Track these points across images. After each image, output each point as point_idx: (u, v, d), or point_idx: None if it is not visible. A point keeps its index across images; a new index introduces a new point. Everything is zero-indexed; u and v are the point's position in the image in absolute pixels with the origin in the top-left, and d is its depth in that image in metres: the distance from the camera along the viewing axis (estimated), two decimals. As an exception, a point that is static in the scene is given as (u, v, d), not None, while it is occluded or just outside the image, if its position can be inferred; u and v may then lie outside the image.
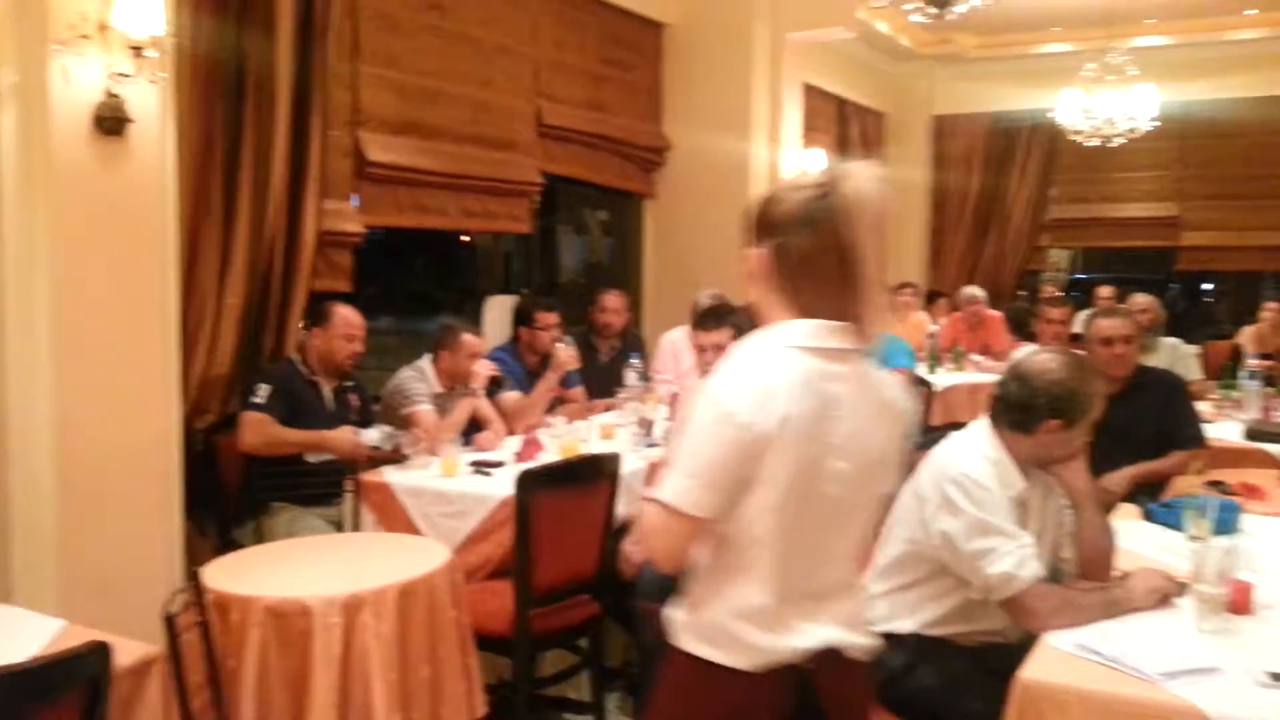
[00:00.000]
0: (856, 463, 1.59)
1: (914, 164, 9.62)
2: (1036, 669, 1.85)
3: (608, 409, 4.54)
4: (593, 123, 5.89)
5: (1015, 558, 2.08)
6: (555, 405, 4.37)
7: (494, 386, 4.07)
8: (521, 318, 4.54)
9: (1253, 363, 5.19)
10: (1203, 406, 4.44)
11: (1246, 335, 7.24)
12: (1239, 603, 2.06)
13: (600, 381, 4.77)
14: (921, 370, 5.83)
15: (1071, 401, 2.19)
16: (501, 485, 3.21)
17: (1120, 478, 3.37)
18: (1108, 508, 2.84)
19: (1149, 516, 2.91)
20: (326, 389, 3.68)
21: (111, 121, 3.08)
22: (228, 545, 3.45)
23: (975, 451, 2.24)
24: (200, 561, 2.75)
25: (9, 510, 3.06)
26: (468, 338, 3.93)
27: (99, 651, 1.63)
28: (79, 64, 2.99)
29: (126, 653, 1.91)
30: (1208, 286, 11.12)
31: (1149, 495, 3.20)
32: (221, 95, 3.66)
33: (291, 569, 2.61)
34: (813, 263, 1.55)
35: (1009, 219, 9.64)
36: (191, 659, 2.15)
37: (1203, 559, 2.06)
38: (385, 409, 3.86)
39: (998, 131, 9.55)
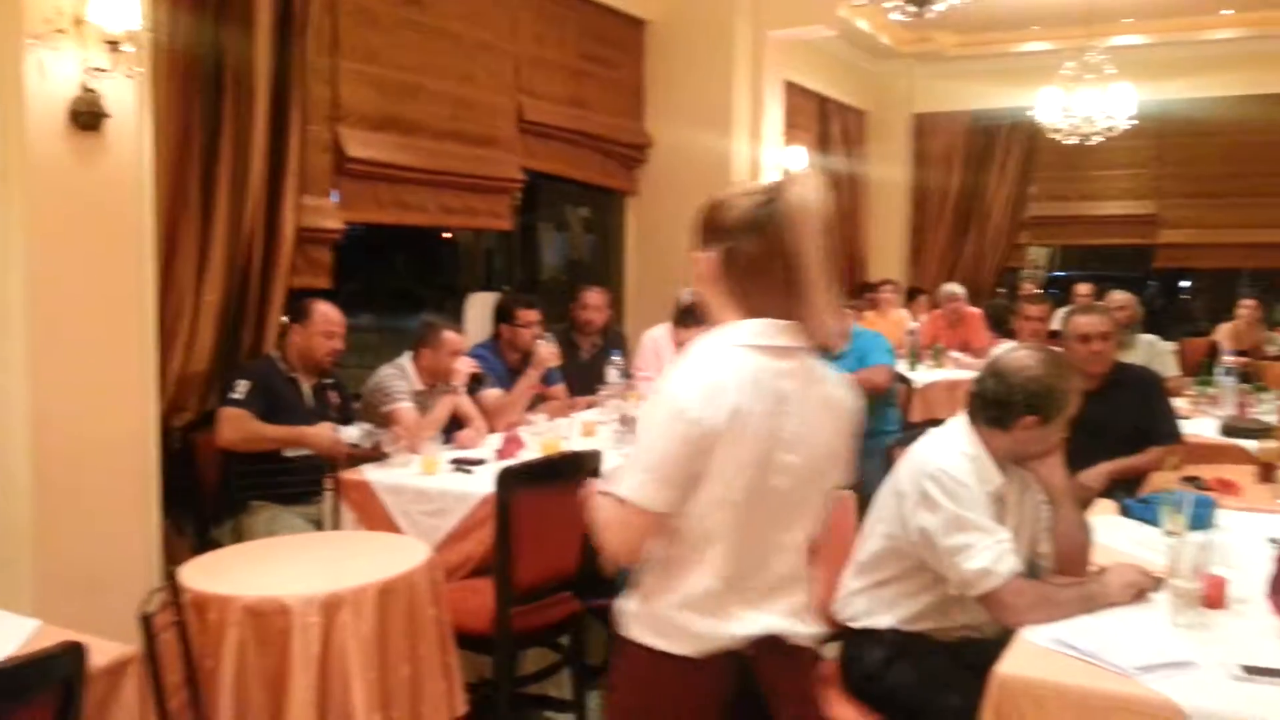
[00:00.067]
0: (805, 457, 1.65)
1: (895, 162, 9.66)
2: (1013, 664, 1.86)
3: (589, 406, 4.54)
4: (574, 119, 5.88)
5: (992, 553, 2.10)
6: (536, 402, 4.37)
7: (475, 384, 4.07)
8: (502, 315, 4.53)
9: (1229, 359, 5.25)
10: (1179, 403, 4.48)
11: (1223, 332, 7.32)
12: (1213, 597, 2.08)
13: (582, 379, 4.77)
14: (902, 367, 5.85)
15: (1048, 398, 2.21)
16: (482, 483, 3.20)
17: (1097, 474, 3.39)
18: (1085, 503, 2.87)
19: (1125, 512, 2.93)
20: (306, 386, 3.67)
21: (87, 117, 3.05)
22: (206, 544, 3.43)
23: (953, 448, 2.25)
24: (178, 561, 2.74)
25: (-16, 509, 3.03)
26: (449, 335, 3.92)
27: (73, 652, 1.61)
28: (54, 58, 2.97)
29: (102, 653, 1.89)
30: (1185, 284, 11.22)
31: (1126, 491, 3.22)
32: (199, 90, 3.63)
33: (270, 568, 2.60)
34: (759, 266, 1.62)
35: (989, 217, 9.71)
36: (169, 659, 2.14)
37: (1178, 554, 2.08)
38: (365, 407, 3.84)
39: (977, 130, 9.61)
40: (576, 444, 3.73)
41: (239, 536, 3.37)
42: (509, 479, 2.83)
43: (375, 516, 3.31)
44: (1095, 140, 7.49)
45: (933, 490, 2.16)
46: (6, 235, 2.96)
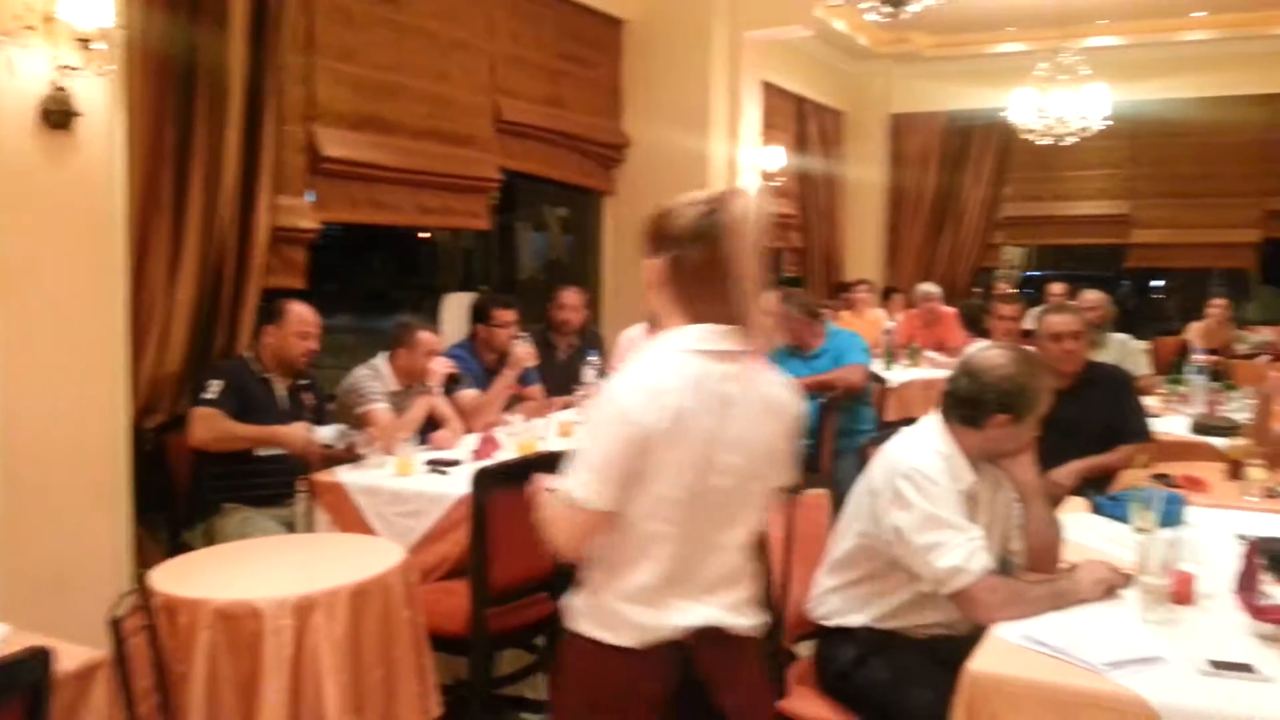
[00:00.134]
0: (746, 457, 1.72)
1: (871, 162, 9.71)
2: (985, 660, 1.87)
3: (566, 406, 4.53)
4: (551, 119, 5.87)
5: (964, 551, 2.11)
6: (513, 403, 4.36)
7: (451, 384, 4.05)
8: (479, 315, 4.51)
9: (1199, 358, 5.29)
10: (1150, 401, 4.53)
11: (1194, 331, 7.40)
12: (1182, 593, 2.10)
13: (558, 379, 4.77)
14: (877, 366, 5.88)
15: (1020, 396, 2.23)
16: (458, 484, 3.18)
17: (1069, 471, 3.42)
18: (1056, 501, 2.89)
19: (1096, 509, 2.96)
20: (280, 387, 3.64)
21: (58, 115, 3.02)
22: (178, 547, 3.40)
23: (926, 446, 2.27)
24: (150, 564, 2.71)
25: (-49, 512, 2.99)
26: (424, 335, 3.90)
27: (39, 656, 1.59)
28: (24, 56, 2.93)
29: (70, 657, 1.88)
30: (1158, 283, 11.34)
31: (1097, 489, 3.25)
32: (173, 88, 3.60)
33: (242, 571, 2.58)
34: (704, 273, 1.69)
35: (964, 217, 9.77)
36: (139, 663, 2.12)
37: (1147, 551, 2.10)
38: (340, 408, 3.83)
39: (953, 130, 9.67)
40: (553, 444, 3.72)
41: (211, 539, 3.34)
42: (485, 480, 2.82)
43: (349, 518, 3.29)
44: (1069, 141, 7.54)
45: (906, 489, 2.18)
46: (-26, 235, 2.93)
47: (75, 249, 3.14)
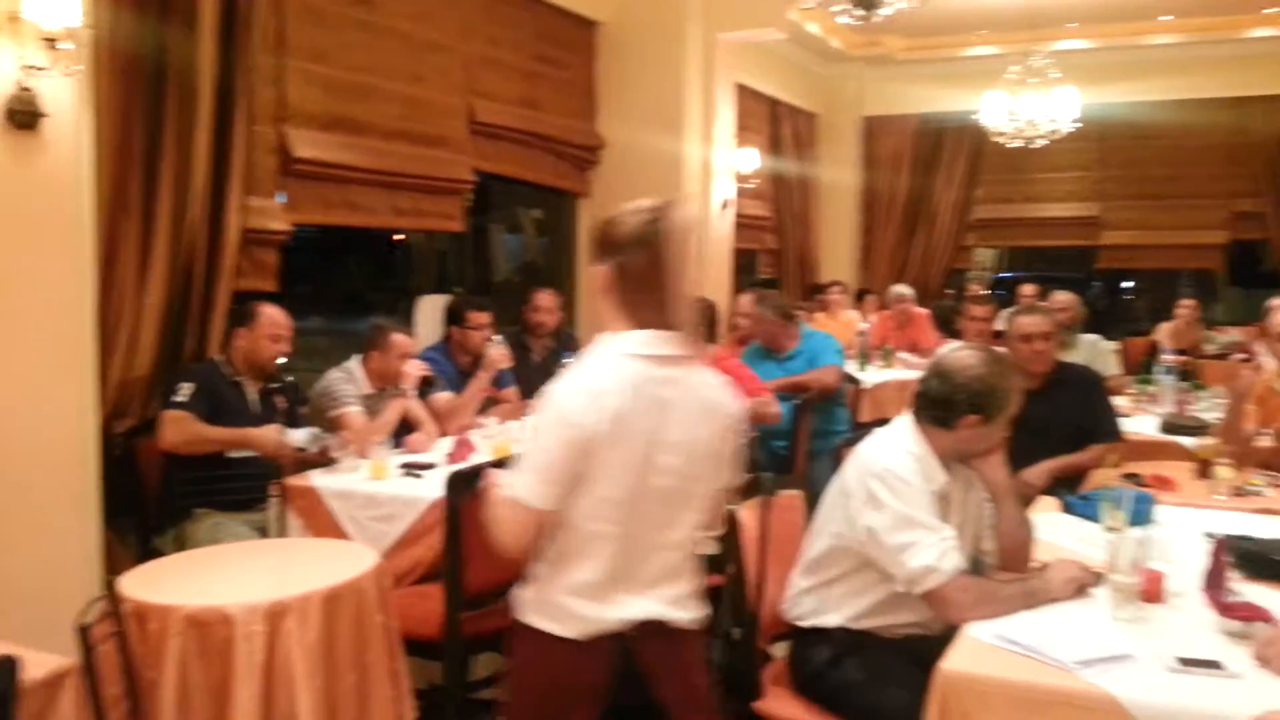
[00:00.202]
0: (686, 458, 1.81)
1: (845, 164, 9.76)
2: (957, 660, 1.89)
3: (541, 409, 4.51)
4: (526, 120, 5.86)
5: (937, 550, 2.12)
6: (488, 405, 4.34)
7: (425, 387, 4.03)
8: (453, 317, 4.50)
9: (1168, 358, 5.36)
10: (1120, 401, 4.58)
11: (1163, 331, 7.48)
12: (1151, 591, 2.13)
13: (533, 381, 4.72)
14: (851, 367, 5.91)
15: (990, 397, 2.24)
16: (432, 487, 3.17)
17: (1040, 471, 3.45)
18: (1027, 500, 2.92)
19: (1067, 509, 2.99)
20: (251, 390, 3.61)
21: (24, 115, 2.98)
22: (148, 553, 3.36)
23: (898, 447, 2.28)
24: (120, 570, 2.68)
25: (-85, 519, 2.95)
26: (398, 337, 3.88)
27: (5, 665, 1.58)
28: (-12, 56, 2.90)
29: (38, 665, 1.86)
30: (1128, 284, 11.46)
31: (1068, 488, 3.28)
32: (141, 89, 3.56)
33: (213, 576, 2.55)
34: (646, 280, 1.78)
35: (936, 218, 9.85)
36: (108, 671, 2.09)
37: (1117, 550, 2.12)
38: (313, 411, 3.79)
39: (925, 132, 9.74)
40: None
41: (182, 545, 3.30)
42: (459, 483, 2.81)
43: (322, 523, 3.26)
44: (1039, 143, 7.61)
45: (878, 489, 2.19)
46: (-62, 237, 2.89)
47: (42, 251, 3.10)
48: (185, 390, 3.40)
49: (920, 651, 2.10)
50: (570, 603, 1.79)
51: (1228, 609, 2.00)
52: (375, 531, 3.19)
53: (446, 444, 3.76)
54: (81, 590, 3.06)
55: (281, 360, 3.62)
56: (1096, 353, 5.21)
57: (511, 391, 4.61)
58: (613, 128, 6.51)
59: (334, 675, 2.38)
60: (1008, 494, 2.37)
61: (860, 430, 3.07)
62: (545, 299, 5.06)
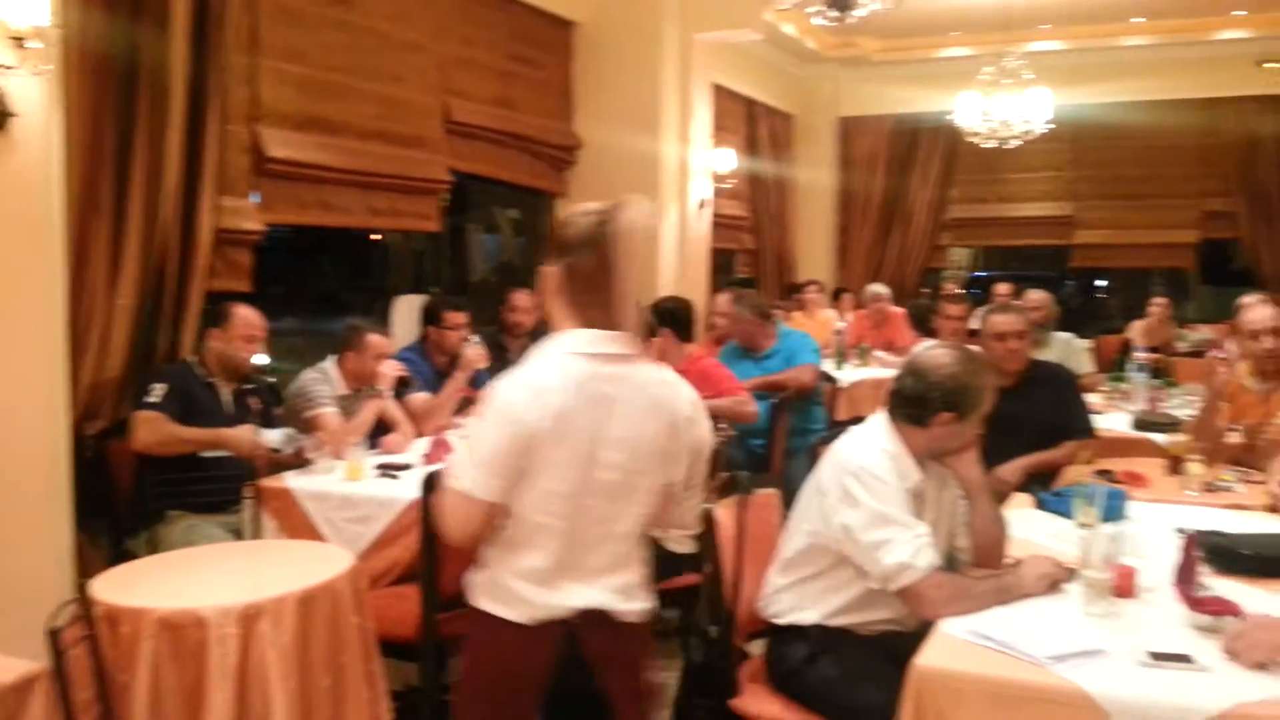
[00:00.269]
0: (631, 454, 1.84)
1: (821, 165, 9.81)
2: (932, 656, 1.90)
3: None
4: (502, 120, 5.84)
5: (911, 547, 2.14)
6: (465, 406, 4.32)
7: (402, 387, 4.01)
8: (429, 317, 4.48)
9: (1141, 356, 5.40)
10: (1093, 398, 4.62)
11: (1136, 329, 7.55)
12: (1123, 587, 2.15)
13: (510, 381, 4.73)
14: (828, 366, 5.93)
15: (963, 395, 2.26)
16: (409, 488, 3.15)
17: (1014, 468, 3.48)
18: (1001, 497, 2.94)
19: (1040, 505, 3.01)
20: (225, 391, 3.59)
21: (-8, 115, 2.95)
22: (121, 556, 3.32)
23: (873, 445, 2.29)
24: (92, 574, 2.65)
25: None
26: (373, 338, 3.86)
27: (-27, 670, 1.56)
28: (-45, 55, 2.86)
29: (7, 670, 1.85)
30: (1101, 283, 11.57)
31: (1041, 485, 3.31)
32: (112, 88, 3.52)
33: (186, 579, 2.53)
34: (593, 280, 1.82)
35: (912, 218, 9.91)
36: (79, 675, 2.07)
37: (1089, 545, 2.14)
38: (288, 412, 3.77)
39: (901, 133, 9.80)
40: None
41: (155, 548, 3.27)
42: (434, 483, 2.80)
43: (297, 525, 3.24)
44: (1013, 143, 7.67)
45: (853, 487, 2.20)
46: (-96, 238, 2.85)
47: (11, 251, 3.07)
48: (158, 391, 3.37)
49: (895, 648, 2.12)
50: (518, 588, 1.84)
51: (1198, 603, 2.03)
52: (351, 533, 3.17)
53: (423, 445, 3.75)
54: (52, 594, 3.03)
55: (265, 362, 3.60)
56: (1070, 351, 5.25)
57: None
58: (590, 128, 6.50)
59: (309, 677, 2.36)
60: (982, 491, 2.39)
61: (837, 428, 3.09)
62: (522, 299, 5.05)
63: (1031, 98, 7.40)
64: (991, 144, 7.70)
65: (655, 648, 2.06)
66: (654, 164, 6.34)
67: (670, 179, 6.43)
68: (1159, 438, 3.98)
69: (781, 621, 2.39)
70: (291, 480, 3.33)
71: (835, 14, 5.54)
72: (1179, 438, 3.60)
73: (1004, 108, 7.47)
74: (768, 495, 2.79)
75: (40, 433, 3.18)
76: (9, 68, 2.94)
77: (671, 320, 4.13)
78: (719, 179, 7.27)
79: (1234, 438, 3.54)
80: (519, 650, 1.85)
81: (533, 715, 1.90)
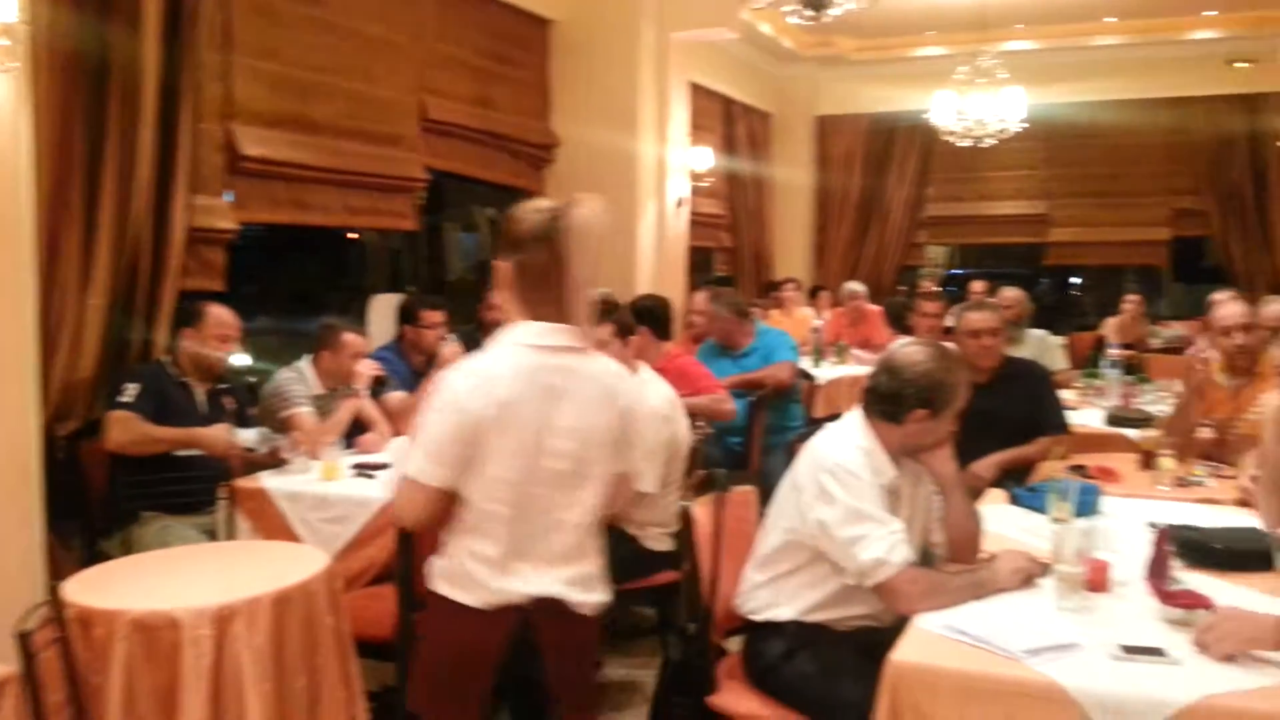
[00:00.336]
0: (580, 443, 1.91)
1: (798, 163, 9.84)
2: (907, 650, 1.91)
3: (495, 408, 4.49)
4: (479, 118, 5.82)
5: (887, 543, 2.15)
6: (441, 405, 4.30)
7: (378, 387, 3.99)
8: (406, 316, 4.46)
9: (1114, 352, 5.45)
10: (1067, 394, 4.65)
11: (1109, 326, 7.62)
12: (1096, 581, 2.16)
13: (488, 380, 4.72)
14: (806, 364, 5.95)
15: (938, 391, 2.27)
16: (385, 488, 3.15)
17: (989, 464, 3.50)
18: (977, 493, 2.96)
19: (1014, 500, 3.03)
20: (199, 391, 3.56)
21: (-42, 112, 2.91)
22: (95, 558, 3.29)
23: (848, 442, 2.30)
24: (64, 576, 2.62)
25: None
26: (349, 337, 3.85)
27: (-59, 674, 1.54)
28: (-81, 51, 2.82)
29: (-24, 674, 1.81)
30: (1075, 280, 11.67)
31: (1015, 480, 3.33)
32: (83, 86, 3.48)
33: (160, 580, 2.51)
34: (544, 275, 1.87)
35: (888, 216, 9.96)
36: (51, 678, 2.05)
37: (1062, 540, 2.15)
38: (263, 412, 3.75)
39: (877, 132, 9.85)
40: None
41: (129, 549, 3.24)
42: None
43: (272, 525, 3.22)
44: (988, 142, 7.73)
45: (829, 483, 2.21)
46: None
47: (-20, 251, 3.03)
48: (131, 391, 3.34)
49: (872, 643, 2.12)
50: (474, 572, 1.90)
51: (1169, 597, 2.05)
52: (327, 533, 3.15)
53: (399, 444, 3.73)
54: (23, 596, 2.99)
55: (246, 363, 3.57)
56: (1044, 347, 5.30)
57: (466, 391, 4.57)
58: (567, 126, 6.49)
59: (284, 679, 2.34)
60: (956, 487, 2.40)
61: (814, 426, 3.09)
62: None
63: (1005, 97, 7.46)
64: (966, 143, 7.75)
65: (603, 639, 2.15)
66: (632, 162, 6.34)
67: (648, 177, 6.43)
68: (1132, 433, 4.02)
69: (758, 618, 2.40)
70: (267, 480, 3.31)
71: (810, 13, 5.56)
72: (1152, 433, 3.63)
73: (978, 107, 7.52)
74: (745, 492, 2.79)
75: (11, 434, 3.14)
76: (-24, 65, 2.90)
77: (649, 318, 4.14)
78: (697, 177, 7.28)
79: (1205, 433, 3.58)
80: (474, 634, 1.91)
81: (485, 698, 1.96)
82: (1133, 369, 5.39)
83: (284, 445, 3.46)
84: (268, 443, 3.45)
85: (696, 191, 7.30)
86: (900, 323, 6.19)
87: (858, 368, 6.34)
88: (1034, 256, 10.09)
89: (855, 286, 7.71)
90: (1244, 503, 2.88)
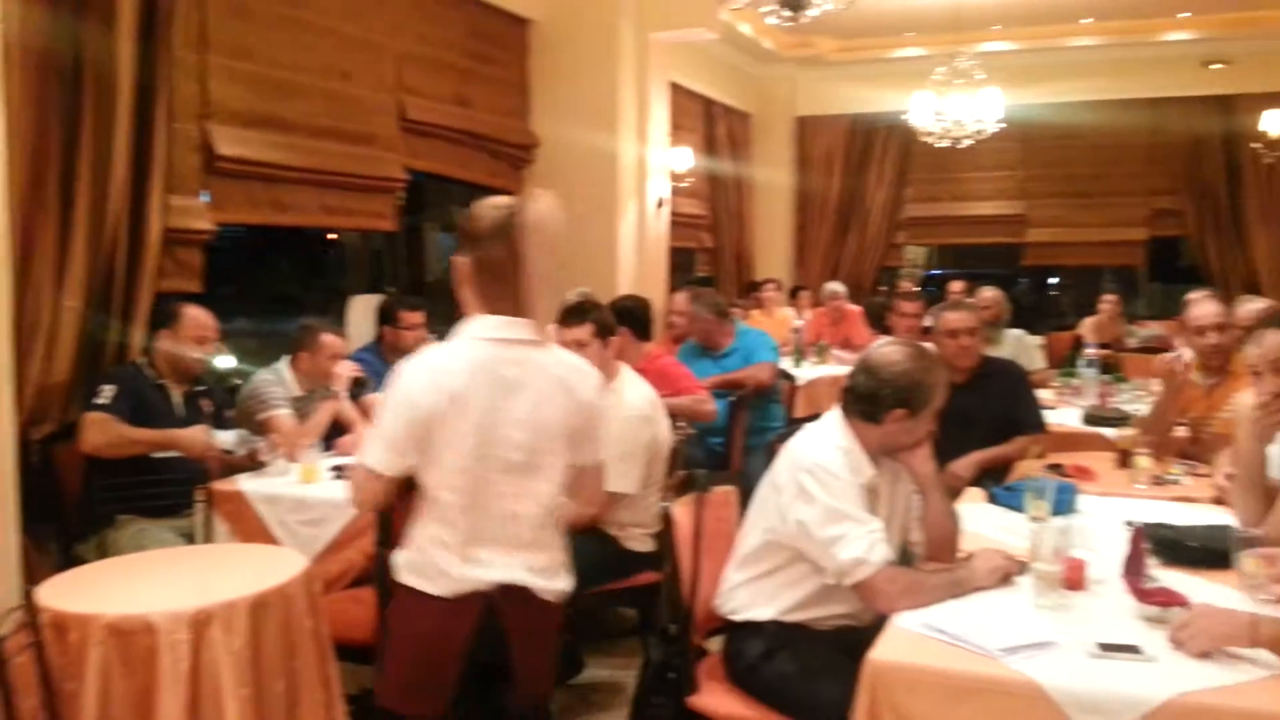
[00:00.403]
0: (534, 434, 1.96)
1: (778, 164, 9.87)
2: (886, 649, 1.91)
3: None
4: (458, 118, 5.81)
5: (865, 542, 2.16)
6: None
7: (357, 388, 3.96)
8: (385, 317, 4.44)
9: (1091, 352, 5.49)
10: (1045, 394, 4.68)
11: (1086, 326, 7.68)
12: (1073, 579, 2.18)
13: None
14: (786, 364, 5.97)
15: (916, 391, 2.28)
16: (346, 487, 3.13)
17: (967, 463, 3.52)
18: (955, 492, 2.97)
19: (992, 499, 3.04)
20: (175, 393, 3.53)
21: (-72, 112, 2.88)
22: (70, 561, 3.26)
23: (827, 441, 2.31)
24: (39, 580, 2.59)
25: None
26: (328, 338, 3.82)
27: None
28: (-111, 50, 2.78)
29: (-53, 680, 1.79)
30: (1053, 280, 11.75)
31: (993, 479, 3.35)
32: (57, 85, 3.44)
33: (136, 584, 2.49)
34: (501, 270, 1.92)
35: (868, 217, 10.00)
36: (25, 683, 2.03)
37: (1040, 538, 2.16)
38: (241, 414, 3.72)
39: (857, 132, 9.89)
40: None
41: (104, 552, 3.22)
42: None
43: (250, 528, 3.20)
44: (966, 143, 7.78)
45: (808, 483, 2.21)
46: None
47: (-49, 252, 2.99)
48: (107, 392, 3.31)
49: (851, 642, 2.13)
50: (437, 559, 1.95)
51: (1145, 594, 2.06)
52: (305, 536, 3.14)
53: (379, 446, 3.71)
54: (-2, 602, 2.97)
55: (231, 365, 3.55)
56: (1022, 347, 5.33)
57: (446, 392, 4.56)
58: (547, 126, 6.48)
59: (262, 683, 2.33)
60: (934, 486, 2.41)
61: (795, 426, 3.10)
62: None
63: (983, 97, 7.50)
64: (945, 143, 7.80)
65: (566, 624, 2.22)
66: (612, 162, 6.34)
67: (628, 177, 6.43)
68: (1109, 432, 4.05)
69: (738, 618, 2.40)
70: (244, 483, 3.29)
71: (789, 13, 5.57)
72: (1128, 432, 3.66)
73: (956, 107, 7.57)
74: (725, 493, 2.79)
75: (-17, 437, 3.11)
76: (-53, 64, 2.87)
77: (630, 319, 4.13)
78: (677, 178, 7.28)
79: (1180, 431, 3.61)
80: (441, 623, 1.95)
81: (452, 685, 2.00)
82: (1110, 368, 5.42)
83: (262, 447, 3.44)
84: (245, 445, 3.43)
85: (677, 192, 7.31)
86: (880, 323, 6.22)
87: (838, 368, 6.36)
88: (1012, 257, 10.15)
89: (835, 287, 7.74)
90: (1219, 501, 2.91)
